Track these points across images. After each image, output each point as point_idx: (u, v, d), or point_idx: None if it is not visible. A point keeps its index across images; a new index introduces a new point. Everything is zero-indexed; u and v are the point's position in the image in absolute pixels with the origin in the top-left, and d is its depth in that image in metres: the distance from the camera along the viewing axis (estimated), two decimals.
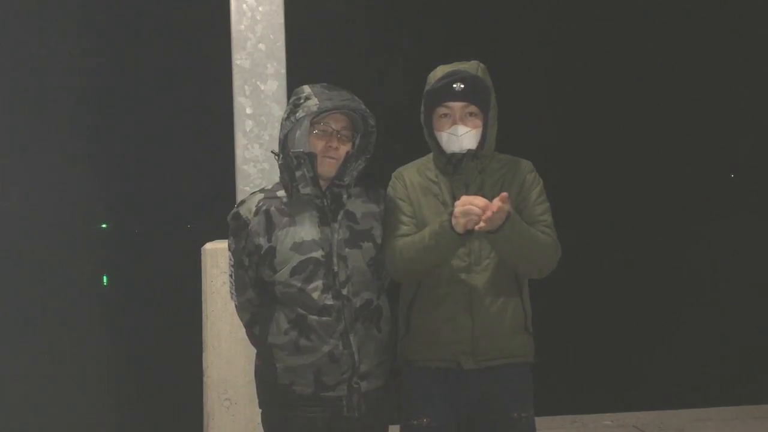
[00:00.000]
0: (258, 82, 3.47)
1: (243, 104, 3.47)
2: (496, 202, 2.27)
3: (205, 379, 3.47)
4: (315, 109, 2.42)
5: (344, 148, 2.48)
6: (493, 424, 2.47)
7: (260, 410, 2.59)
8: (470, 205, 2.28)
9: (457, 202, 2.33)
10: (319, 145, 2.46)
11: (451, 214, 2.33)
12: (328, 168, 2.47)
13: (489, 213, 2.26)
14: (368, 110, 2.50)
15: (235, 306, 2.63)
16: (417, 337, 2.50)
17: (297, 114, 2.43)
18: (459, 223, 2.30)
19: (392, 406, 2.58)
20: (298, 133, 2.46)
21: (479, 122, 2.52)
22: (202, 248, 3.48)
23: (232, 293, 2.62)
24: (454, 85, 2.47)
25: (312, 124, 2.46)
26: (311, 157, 2.45)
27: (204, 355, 3.47)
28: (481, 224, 2.29)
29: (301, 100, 2.46)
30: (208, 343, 3.43)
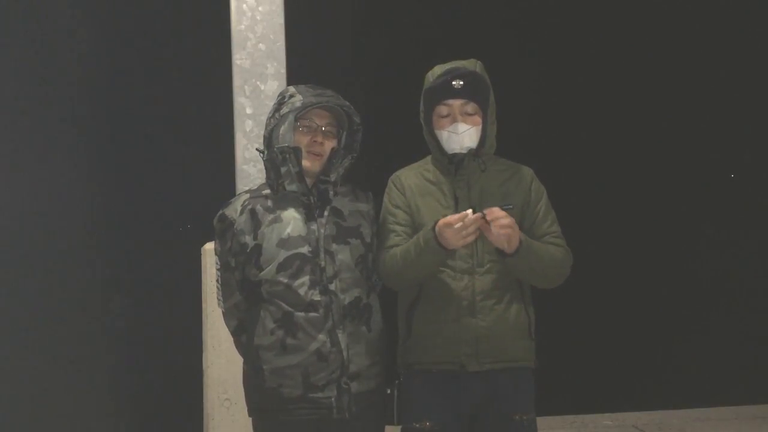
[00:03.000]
0: (258, 82, 3.47)
1: (243, 104, 3.47)
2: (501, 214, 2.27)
3: (205, 379, 3.47)
4: (299, 104, 2.43)
5: (329, 144, 2.48)
6: (494, 426, 2.45)
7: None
8: (450, 219, 2.26)
9: (443, 220, 2.30)
10: (303, 141, 2.45)
11: (433, 228, 2.31)
12: (312, 163, 2.47)
13: (471, 213, 2.25)
14: (352, 107, 2.50)
15: (222, 313, 2.60)
16: (419, 341, 2.48)
17: (281, 110, 2.45)
18: (445, 237, 2.28)
19: (389, 411, 2.56)
20: (282, 129, 2.45)
21: (479, 120, 2.51)
22: (202, 248, 3.49)
23: (219, 300, 2.58)
24: (453, 83, 2.47)
25: (296, 120, 2.45)
26: (296, 152, 2.44)
27: (204, 355, 3.47)
28: (492, 234, 2.28)
29: (285, 98, 2.47)
30: (208, 343, 3.43)
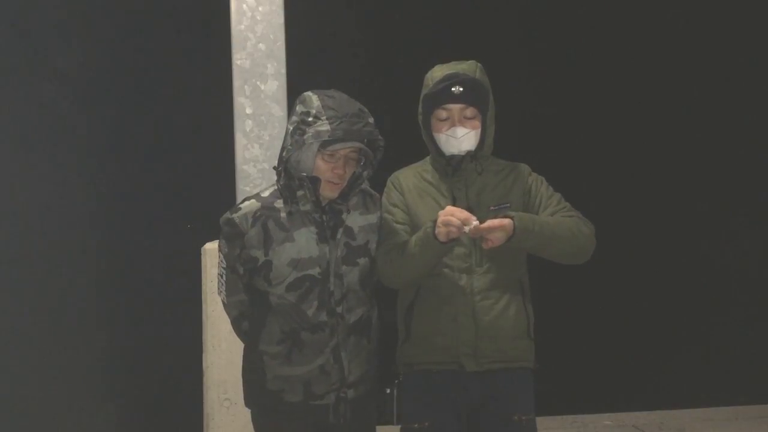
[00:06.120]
0: (258, 82, 3.47)
1: (243, 104, 3.47)
2: (491, 222, 2.28)
3: (205, 379, 3.47)
4: (326, 137, 2.32)
5: (350, 171, 2.43)
6: (494, 427, 2.46)
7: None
8: (451, 216, 2.27)
9: (440, 212, 2.32)
10: (324, 169, 2.38)
11: (434, 222, 2.32)
12: (330, 192, 2.42)
13: (471, 227, 2.26)
14: (378, 131, 2.42)
15: (223, 303, 2.62)
16: (418, 341, 2.49)
17: (305, 136, 2.33)
18: (441, 233, 2.30)
19: (389, 410, 2.58)
20: (303, 155, 2.38)
21: (478, 123, 2.51)
22: (202, 248, 3.49)
23: (220, 291, 2.59)
24: (453, 89, 2.46)
25: (319, 148, 2.37)
26: (314, 182, 2.39)
27: (204, 355, 3.47)
28: (488, 243, 2.30)
29: (310, 118, 2.35)
30: (208, 343, 3.43)
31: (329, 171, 2.38)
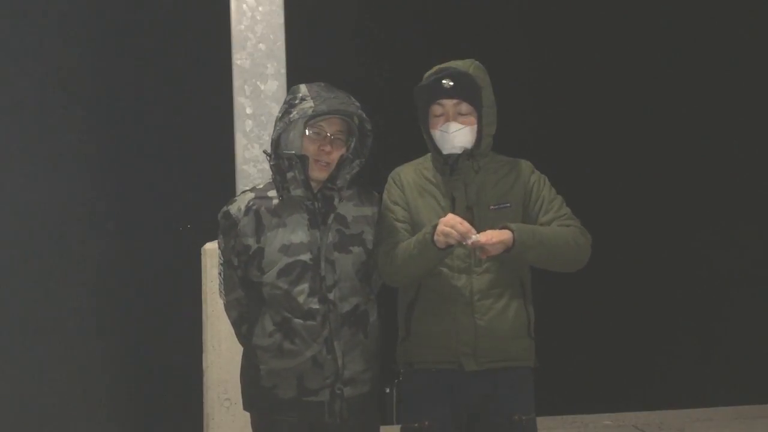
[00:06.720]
0: (258, 82, 3.47)
1: (243, 104, 3.48)
2: (492, 235, 2.29)
3: (205, 379, 3.47)
4: (310, 112, 2.38)
5: (337, 153, 2.45)
6: (494, 426, 2.45)
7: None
8: (451, 229, 2.28)
9: (441, 219, 2.33)
10: (311, 149, 2.42)
11: (434, 227, 2.32)
12: (319, 172, 2.44)
13: (471, 241, 2.27)
14: (365, 114, 2.46)
15: (224, 304, 2.63)
16: (418, 340, 2.49)
17: (291, 115, 2.40)
18: (440, 241, 2.31)
19: (388, 410, 2.57)
20: (291, 134, 2.42)
21: (473, 120, 2.50)
22: (202, 248, 3.49)
23: (221, 291, 2.61)
24: (443, 82, 2.46)
25: (306, 127, 2.42)
26: (302, 160, 2.42)
27: (204, 355, 3.47)
28: (484, 255, 2.32)
29: (296, 101, 2.42)
30: (208, 343, 3.43)
31: (316, 149, 2.42)
